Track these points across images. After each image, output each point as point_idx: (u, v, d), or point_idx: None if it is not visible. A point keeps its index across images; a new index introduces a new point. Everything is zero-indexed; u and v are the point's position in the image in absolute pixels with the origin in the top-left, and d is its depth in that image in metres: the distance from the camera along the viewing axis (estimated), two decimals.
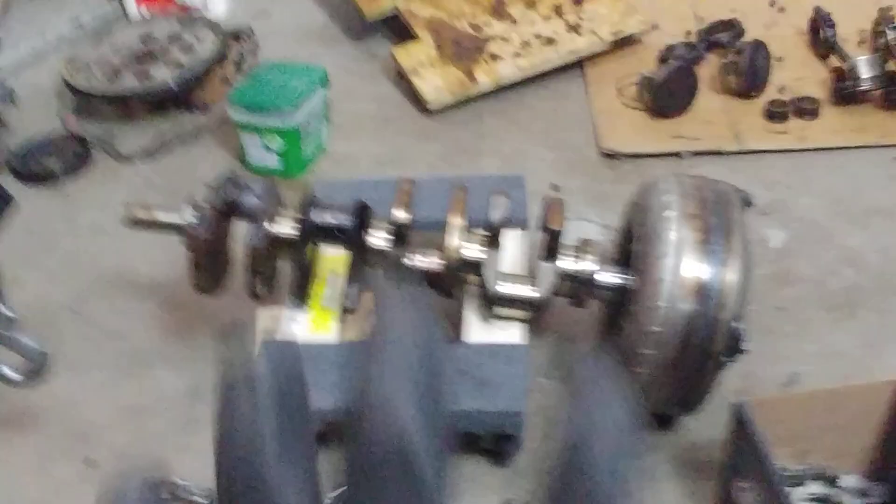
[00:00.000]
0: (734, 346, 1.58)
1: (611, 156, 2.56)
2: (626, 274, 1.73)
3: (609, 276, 1.76)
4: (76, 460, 1.83)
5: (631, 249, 1.73)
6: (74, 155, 2.70)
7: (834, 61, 2.78)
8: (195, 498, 1.70)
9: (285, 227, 1.82)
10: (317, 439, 1.72)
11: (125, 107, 2.87)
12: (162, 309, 2.17)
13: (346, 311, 1.84)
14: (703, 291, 1.57)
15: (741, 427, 1.50)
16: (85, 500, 1.74)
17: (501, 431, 1.68)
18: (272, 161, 2.55)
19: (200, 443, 1.83)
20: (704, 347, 1.58)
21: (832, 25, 2.80)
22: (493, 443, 1.74)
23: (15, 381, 1.73)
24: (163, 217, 1.88)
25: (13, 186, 2.58)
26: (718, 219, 1.63)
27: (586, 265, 1.75)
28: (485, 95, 2.81)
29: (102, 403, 1.95)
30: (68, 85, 2.85)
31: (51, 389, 1.88)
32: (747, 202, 1.76)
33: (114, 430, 1.89)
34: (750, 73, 2.69)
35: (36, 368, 1.73)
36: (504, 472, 1.75)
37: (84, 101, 2.87)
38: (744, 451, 1.50)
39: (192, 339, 2.08)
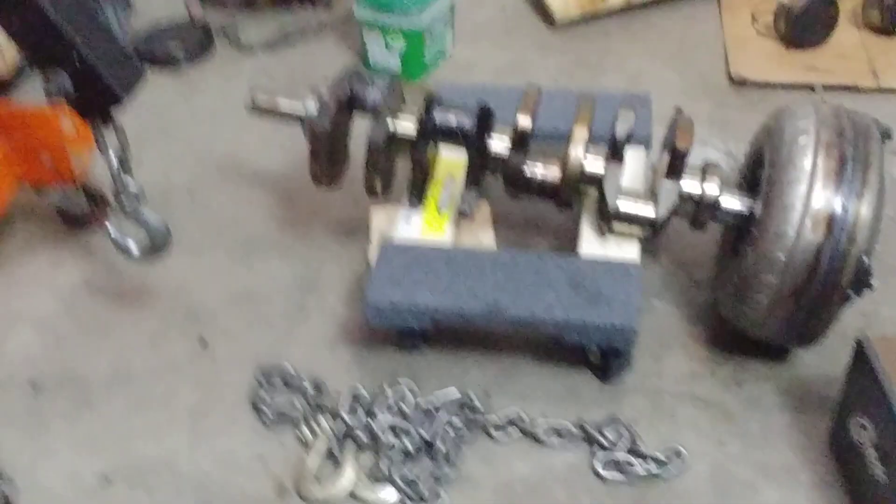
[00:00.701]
0: (862, 281, 1.53)
1: (740, 83, 2.48)
2: (752, 200, 1.68)
3: (734, 201, 1.71)
4: (189, 339, 1.87)
5: (759, 175, 1.67)
6: (197, 42, 2.72)
7: None
8: (304, 384, 1.73)
9: (407, 124, 1.81)
10: (425, 339, 1.70)
11: None
12: (276, 199, 2.19)
13: (462, 214, 1.83)
14: (834, 222, 1.51)
15: (863, 363, 1.45)
16: (196, 377, 1.80)
17: (611, 347, 1.66)
18: (393, 62, 2.53)
19: (308, 332, 1.87)
20: (830, 280, 1.53)
21: None
22: (601, 358, 1.72)
23: (136, 257, 1.77)
24: (285, 106, 1.89)
25: None
26: (855, 150, 1.56)
27: (711, 188, 1.71)
28: (613, 12, 2.73)
29: (216, 286, 1.99)
30: None
31: (167, 269, 1.93)
32: (887, 135, 1.68)
33: (226, 314, 1.93)
34: (895, 8, 2.57)
35: (158, 245, 1.77)
36: (610, 389, 1.73)
37: None
38: (865, 388, 1.45)
39: (305, 231, 2.10)
